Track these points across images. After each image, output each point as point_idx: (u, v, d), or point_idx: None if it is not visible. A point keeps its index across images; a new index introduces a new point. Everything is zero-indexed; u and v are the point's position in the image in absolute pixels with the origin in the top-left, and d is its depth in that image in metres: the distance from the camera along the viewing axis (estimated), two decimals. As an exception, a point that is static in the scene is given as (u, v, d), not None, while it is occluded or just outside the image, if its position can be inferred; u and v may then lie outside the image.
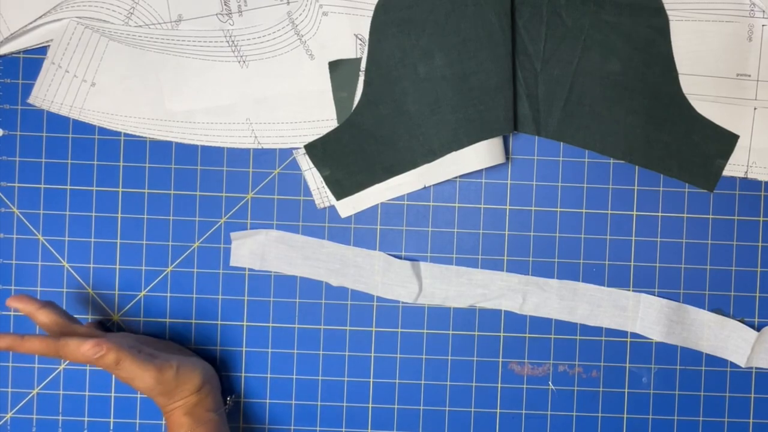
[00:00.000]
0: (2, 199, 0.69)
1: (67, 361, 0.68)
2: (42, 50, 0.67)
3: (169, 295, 0.69)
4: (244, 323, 0.69)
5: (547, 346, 0.69)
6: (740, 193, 0.69)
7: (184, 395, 0.63)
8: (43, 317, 0.62)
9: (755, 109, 0.67)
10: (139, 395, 0.69)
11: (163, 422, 0.69)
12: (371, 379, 0.69)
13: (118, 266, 0.69)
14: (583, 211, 0.69)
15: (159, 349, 0.65)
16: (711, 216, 0.69)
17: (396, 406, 0.69)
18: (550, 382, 0.69)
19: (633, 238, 0.69)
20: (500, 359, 0.69)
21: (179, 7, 0.66)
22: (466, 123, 0.65)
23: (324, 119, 0.67)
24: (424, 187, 0.68)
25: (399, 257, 0.69)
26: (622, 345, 0.69)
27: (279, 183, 0.69)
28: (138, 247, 0.69)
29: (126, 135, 0.69)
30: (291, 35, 0.66)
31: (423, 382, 0.69)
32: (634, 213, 0.69)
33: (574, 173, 0.69)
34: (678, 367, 0.69)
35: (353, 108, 0.66)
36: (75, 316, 0.67)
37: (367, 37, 0.65)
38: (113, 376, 0.65)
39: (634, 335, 0.69)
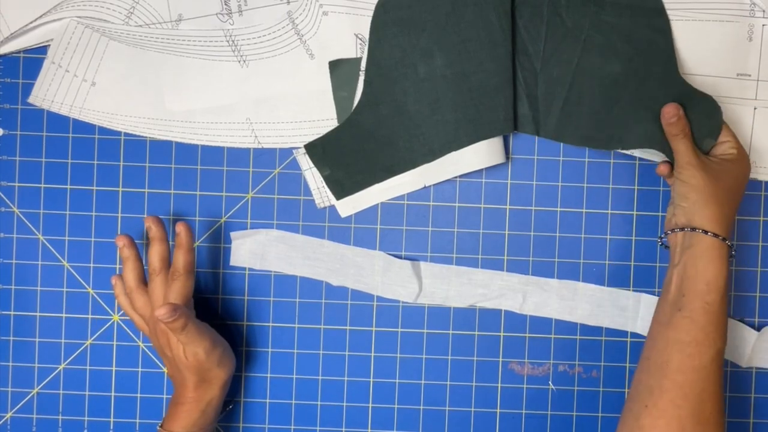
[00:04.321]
0: (2, 199, 0.69)
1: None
2: (42, 50, 0.67)
3: (169, 294, 0.69)
4: (244, 323, 0.69)
5: (547, 346, 0.69)
6: (740, 193, 0.69)
7: (215, 383, 0.63)
8: (156, 249, 0.63)
9: (755, 109, 0.67)
10: (138, 395, 0.69)
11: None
12: (371, 379, 0.69)
13: (118, 266, 0.69)
14: (583, 211, 0.69)
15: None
16: (711, 216, 0.69)
17: (396, 406, 0.69)
18: (550, 382, 0.69)
19: (633, 238, 0.69)
20: (500, 359, 0.69)
21: (179, 7, 0.66)
22: (466, 123, 0.65)
23: (324, 119, 0.67)
24: (424, 187, 0.68)
25: (399, 257, 0.69)
26: (622, 345, 0.69)
27: (279, 183, 0.69)
28: (138, 247, 0.69)
29: (126, 135, 0.69)
30: (291, 35, 0.66)
31: (423, 382, 0.69)
32: (634, 213, 0.69)
33: (574, 173, 0.69)
34: (678, 367, 0.69)
35: (353, 108, 0.66)
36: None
37: (367, 36, 0.65)
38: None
39: (634, 335, 0.69)
